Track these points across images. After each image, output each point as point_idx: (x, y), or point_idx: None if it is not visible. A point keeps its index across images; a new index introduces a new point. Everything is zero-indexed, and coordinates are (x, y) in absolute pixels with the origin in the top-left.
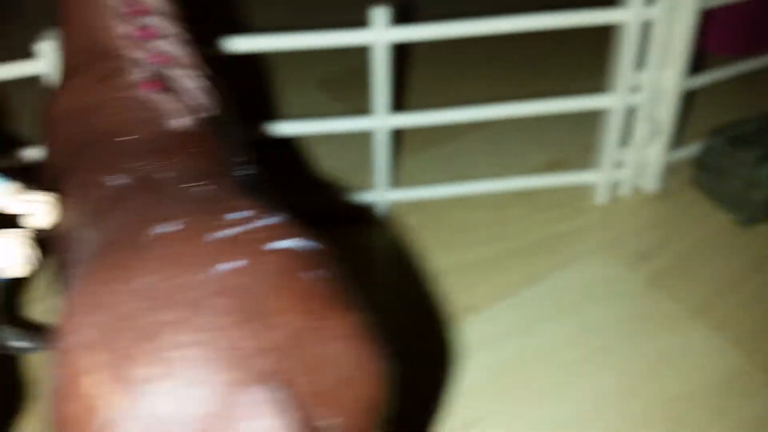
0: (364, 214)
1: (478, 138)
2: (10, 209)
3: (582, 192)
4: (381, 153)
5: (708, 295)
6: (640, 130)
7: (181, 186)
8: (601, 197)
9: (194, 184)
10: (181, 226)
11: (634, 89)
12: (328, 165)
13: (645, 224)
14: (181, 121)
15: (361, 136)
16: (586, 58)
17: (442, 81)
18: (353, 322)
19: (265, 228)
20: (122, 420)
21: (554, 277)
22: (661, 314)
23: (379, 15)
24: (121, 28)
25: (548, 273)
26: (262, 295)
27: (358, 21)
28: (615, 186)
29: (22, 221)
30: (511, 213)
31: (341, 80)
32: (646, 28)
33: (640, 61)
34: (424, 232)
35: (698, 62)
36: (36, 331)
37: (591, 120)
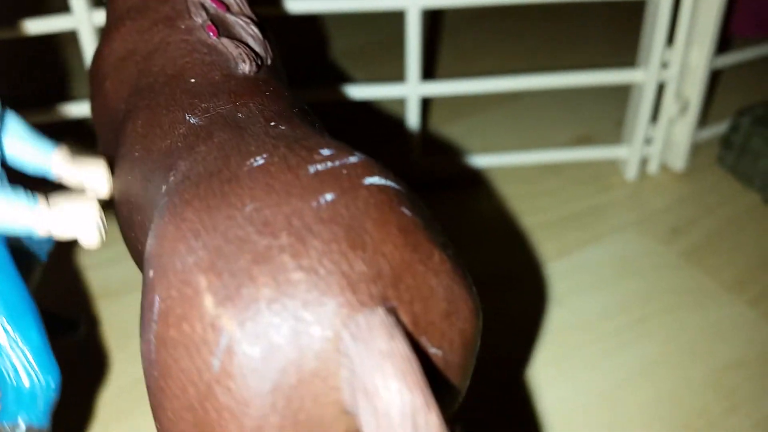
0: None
1: (506, 111)
2: (66, 178)
3: (611, 167)
4: (413, 121)
5: (741, 272)
6: (668, 106)
7: (264, 124)
8: (631, 173)
9: (275, 122)
10: (277, 159)
11: (664, 65)
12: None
13: (675, 201)
14: (246, 66)
15: (382, 107)
16: (610, 33)
17: (471, 52)
18: (453, 259)
19: (358, 164)
20: (245, 339)
21: (589, 250)
22: (697, 289)
23: None
24: None
25: (583, 246)
26: (367, 227)
27: None
28: (644, 162)
29: (79, 189)
30: (543, 187)
31: (364, 52)
32: (676, 4)
33: (670, 38)
34: (455, 204)
35: (724, 44)
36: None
37: (615, 95)
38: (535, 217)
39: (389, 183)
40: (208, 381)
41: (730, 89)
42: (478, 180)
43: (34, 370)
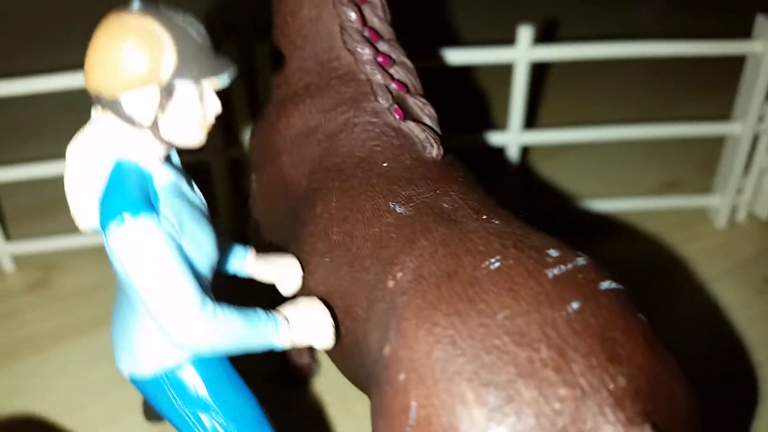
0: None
1: (591, 154)
2: (260, 276)
3: (700, 215)
4: (512, 167)
5: None
6: (762, 158)
7: (476, 218)
8: (721, 221)
9: (486, 215)
10: (512, 261)
11: (761, 119)
12: None
13: (764, 250)
14: (434, 150)
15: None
16: (679, 81)
17: (553, 96)
18: (679, 364)
19: (588, 267)
20: None
21: (686, 300)
22: None
23: (524, 33)
24: (366, 54)
25: (680, 297)
26: (616, 337)
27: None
28: (733, 211)
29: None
30: (634, 234)
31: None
32: None
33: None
34: None
35: None
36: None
37: (698, 142)
38: (631, 266)
39: (620, 287)
40: None
41: None
42: (570, 227)
43: None
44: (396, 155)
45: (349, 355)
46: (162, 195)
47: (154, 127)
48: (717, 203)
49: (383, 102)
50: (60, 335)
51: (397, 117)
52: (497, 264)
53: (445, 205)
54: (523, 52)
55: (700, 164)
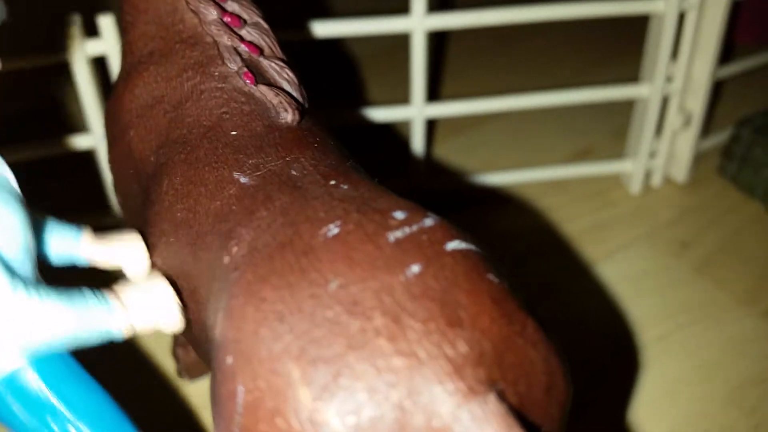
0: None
1: (503, 126)
2: (99, 260)
3: (614, 181)
4: (418, 142)
5: (751, 284)
6: (672, 120)
7: (324, 183)
8: (635, 187)
9: (335, 181)
10: (352, 226)
11: (668, 79)
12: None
13: (680, 214)
14: (288, 116)
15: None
16: (595, 47)
17: (467, 68)
18: (540, 325)
19: (436, 228)
20: None
21: (602, 267)
22: (711, 303)
23: (418, 2)
24: (212, 14)
25: (595, 263)
26: (459, 299)
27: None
28: (647, 175)
29: (119, 270)
30: (547, 203)
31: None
32: (680, 18)
33: (673, 52)
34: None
35: (725, 53)
36: None
37: (610, 107)
38: (545, 236)
39: (471, 247)
40: None
41: (730, 98)
42: (480, 199)
43: None
44: (246, 122)
45: (198, 342)
46: None
47: None
48: (630, 168)
49: (231, 65)
50: None
51: (248, 81)
52: (336, 230)
53: (294, 173)
54: (418, 20)
55: (614, 131)
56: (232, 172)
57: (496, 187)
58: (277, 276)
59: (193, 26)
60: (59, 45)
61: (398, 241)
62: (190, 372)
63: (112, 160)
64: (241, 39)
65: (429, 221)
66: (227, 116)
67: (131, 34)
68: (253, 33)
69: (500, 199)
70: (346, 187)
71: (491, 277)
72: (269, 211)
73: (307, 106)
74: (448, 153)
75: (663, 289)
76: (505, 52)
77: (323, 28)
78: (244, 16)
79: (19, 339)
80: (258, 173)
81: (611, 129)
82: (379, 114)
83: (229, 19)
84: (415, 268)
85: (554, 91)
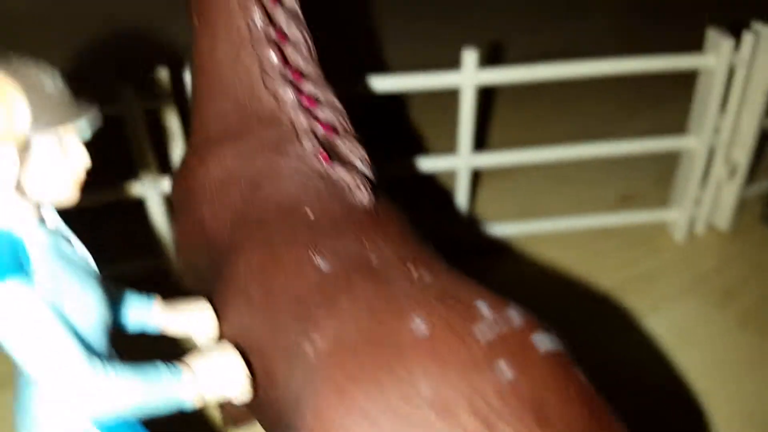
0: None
1: (545, 171)
2: (170, 328)
3: (658, 229)
4: (462, 190)
5: None
6: (718, 171)
7: (405, 271)
8: (679, 235)
9: (415, 268)
10: (437, 321)
11: (716, 131)
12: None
13: (724, 262)
14: (364, 197)
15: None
16: (635, 100)
17: (501, 114)
18: (625, 424)
19: (524, 324)
20: None
21: (649, 318)
22: (757, 355)
23: (469, 57)
24: (288, 96)
25: (643, 315)
26: (552, 400)
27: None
28: (691, 223)
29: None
30: (591, 250)
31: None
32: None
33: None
34: (498, 272)
35: None
36: None
37: (657, 156)
38: (591, 285)
39: (557, 344)
40: None
41: None
42: (522, 246)
43: None
44: (323, 204)
45: (267, 417)
46: (36, 258)
47: (18, 187)
48: (675, 216)
49: (308, 146)
50: None
51: (324, 162)
52: (422, 326)
53: (374, 259)
54: (469, 76)
55: (657, 177)
56: (311, 256)
57: (537, 234)
58: (366, 375)
59: (270, 106)
60: (117, 98)
61: (485, 337)
62: (236, 421)
63: (181, 232)
64: (317, 119)
65: (513, 312)
66: (304, 198)
67: (205, 109)
68: (327, 112)
69: (543, 245)
70: (426, 275)
71: (579, 377)
72: (351, 301)
73: (376, 182)
74: (491, 198)
75: (706, 342)
76: (539, 97)
77: (378, 83)
78: (319, 95)
79: (92, 410)
80: (337, 258)
81: (653, 176)
82: (425, 164)
83: (306, 101)
84: (504, 367)
85: (598, 141)
